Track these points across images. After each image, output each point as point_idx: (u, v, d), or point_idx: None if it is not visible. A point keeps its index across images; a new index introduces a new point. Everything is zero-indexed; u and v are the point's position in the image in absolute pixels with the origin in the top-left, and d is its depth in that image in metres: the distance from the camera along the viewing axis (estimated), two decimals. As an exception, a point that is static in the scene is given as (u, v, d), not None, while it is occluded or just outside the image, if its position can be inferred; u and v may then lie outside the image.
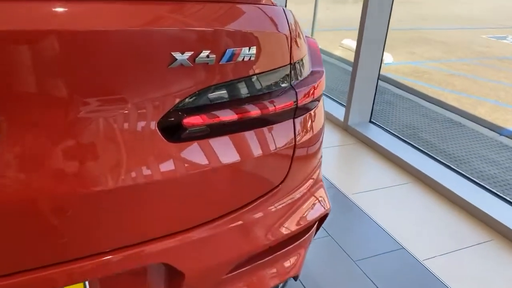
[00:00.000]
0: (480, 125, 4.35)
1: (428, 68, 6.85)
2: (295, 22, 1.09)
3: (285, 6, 4.16)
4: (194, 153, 0.90)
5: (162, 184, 0.88)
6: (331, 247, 2.12)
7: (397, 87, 5.37)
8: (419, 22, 11.70)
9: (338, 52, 6.92)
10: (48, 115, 0.75)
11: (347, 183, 2.69)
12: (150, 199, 0.88)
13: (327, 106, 3.77)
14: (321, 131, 1.19)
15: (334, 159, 3.01)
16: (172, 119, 0.87)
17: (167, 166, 0.87)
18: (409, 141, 3.19)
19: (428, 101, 4.92)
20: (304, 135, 1.10)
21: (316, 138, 1.16)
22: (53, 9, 0.71)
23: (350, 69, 5.92)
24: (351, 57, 6.53)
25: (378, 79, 3.39)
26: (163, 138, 0.87)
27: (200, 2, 0.86)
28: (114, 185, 0.82)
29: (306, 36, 1.25)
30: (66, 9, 0.72)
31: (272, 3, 1.00)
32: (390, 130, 3.36)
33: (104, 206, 0.82)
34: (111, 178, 0.82)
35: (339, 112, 3.57)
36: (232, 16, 0.90)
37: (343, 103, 3.83)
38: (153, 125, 0.85)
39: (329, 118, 3.61)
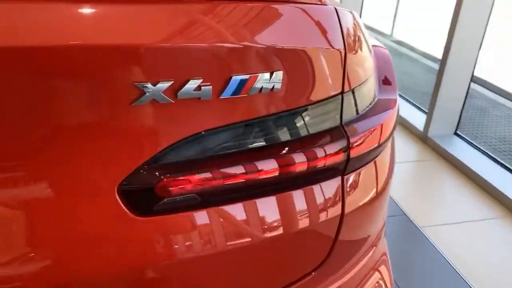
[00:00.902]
0: None
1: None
2: (356, 27, 0.72)
3: (360, 14, 3.63)
4: (176, 232, 0.59)
5: (125, 282, 0.57)
6: (396, 299, 1.72)
7: (489, 90, 4.64)
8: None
9: (421, 46, 6.20)
10: None
11: (421, 211, 2.23)
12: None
13: (402, 110, 3.27)
14: (387, 187, 0.82)
15: (407, 179, 2.55)
16: (141, 182, 0.56)
17: (134, 253, 0.57)
18: (504, 163, 2.62)
19: (528, 109, 4.18)
20: (358, 198, 0.74)
21: (379, 199, 0.79)
22: None
23: (433, 65, 5.26)
24: (435, 51, 5.81)
25: (471, 81, 2.83)
26: (127, 211, 0.56)
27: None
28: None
29: (373, 46, 0.87)
30: None
31: (321, 0, 0.64)
32: (479, 146, 2.80)
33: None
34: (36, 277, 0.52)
35: (417, 119, 3.07)
36: (249, 22, 0.56)
37: (422, 108, 3.30)
38: (111, 192, 0.55)
39: (405, 125, 3.11)
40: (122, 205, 0.55)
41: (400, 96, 2.99)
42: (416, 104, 3.46)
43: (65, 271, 0.54)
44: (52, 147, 0.51)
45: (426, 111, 2.97)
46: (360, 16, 3.99)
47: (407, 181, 2.52)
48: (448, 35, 2.68)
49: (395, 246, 2.02)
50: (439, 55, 2.81)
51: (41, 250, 0.53)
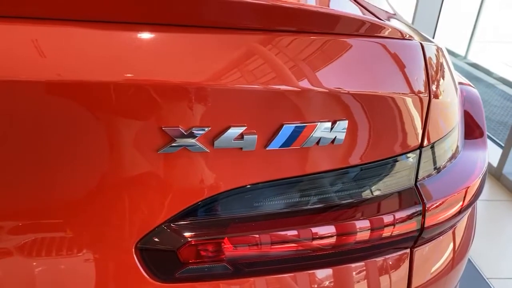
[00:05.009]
0: None
1: None
2: (444, 67, 0.58)
3: (434, 33, 3.35)
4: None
5: None
6: None
7: None
8: None
9: (500, 71, 5.73)
10: None
11: (489, 259, 1.98)
12: None
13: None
14: (464, 258, 0.67)
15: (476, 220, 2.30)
16: (162, 243, 0.46)
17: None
18: None
19: None
20: (429, 274, 0.60)
21: (454, 275, 0.65)
22: None
23: (512, 92, 4.81)
24: (518, 79, 5.33)
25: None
26: (145, 274, 0.47)
27: (239, 30, 0.43)
28: None
29: (460, 84, 0.72)
30: None
31: (403, 34, 0.52)
32: None
33: None
34: None
35: (490, 153, 2.77)
36: (309, 58, 0.45)
37: (498, 140, 3.00)
38: (128, 250, 0.46)
39: (477, 159, 2.83)
40: (140, 266, 0.46)
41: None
42: (490, 135, 3.15)
43: None
44: (63, 194, 0.43)
45: (502, 144, 2.68)
46: (433, 37, 3.73)
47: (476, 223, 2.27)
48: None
49: (456, 297, 1.80)
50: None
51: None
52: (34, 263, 0.44)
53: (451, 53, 5.95)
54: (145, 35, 0.41)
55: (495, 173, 2.67)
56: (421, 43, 0.52)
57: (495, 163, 2.69)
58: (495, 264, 1.98)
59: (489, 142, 3.07)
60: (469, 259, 1.94)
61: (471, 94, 0.75)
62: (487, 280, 1.87)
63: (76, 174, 0.42)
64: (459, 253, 0.64)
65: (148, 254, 0.46)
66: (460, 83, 0.73)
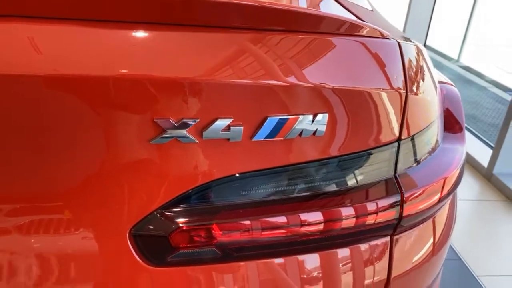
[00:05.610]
0: None
1: None
2: (422, 64, 0.62)
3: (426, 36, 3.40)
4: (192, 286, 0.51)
5: None
6: None
7: None
8: None
9: (492, 74, 5.80)
10: None
11: (479, 257, 2.02)
12: None
13: (467, 143, 3.02)
14: (443, 248, 0.70)
15: (466, 219, 2.34)
16: (154, 229, 0.49)
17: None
18: None
19: None
20: (409, 262, 0.63)
21: (434, 263, 0.68)
22: None
23: (504, 95, 4.87)
24: (506, 79, 5.40)
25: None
26: (138, 259, 0.50)
27: (220, 28, 0.46)
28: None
29: (440, 83, 0.76)
30: None
31: (382, 33, 0.55)
32: (553, 189, 2.52)
33: None
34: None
35: (481, 154, 2.82)
36: (295, 56, 0.49)
37: (489, 141, 3.05)
38: (122, 235, 0.48)
39: (466, 160, 2.88)
40: (133, 251, 0.49)
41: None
42: (481, 137, 3.20)
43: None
44: (60, 183, 0.45)
45: (492, 145, 2.73)
46: (426, 40, 3.78)
47: (466, 222, 2.31)
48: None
49: (446, 294, 1.83)
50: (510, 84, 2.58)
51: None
52: (31, 243, 0.46)
53: (443, 56, 6.01)
54: (140, 33, 0.44)
55: (485, 174, 2.71)
56: (398, 42, 0.55)
57: (485, 164, 2.73)
58: (486, 262, 2.01)
59: (480, 143, 3.11)
60: (459, 258, 1.98)
61: (451, 92, 0.79)
62: (477, 278, 1.91)
63: (72, 163, 0.44)
64: (440, 240, 0.68)
65: (142, 240, 0.49)
66: (440, 82, 0.77)
